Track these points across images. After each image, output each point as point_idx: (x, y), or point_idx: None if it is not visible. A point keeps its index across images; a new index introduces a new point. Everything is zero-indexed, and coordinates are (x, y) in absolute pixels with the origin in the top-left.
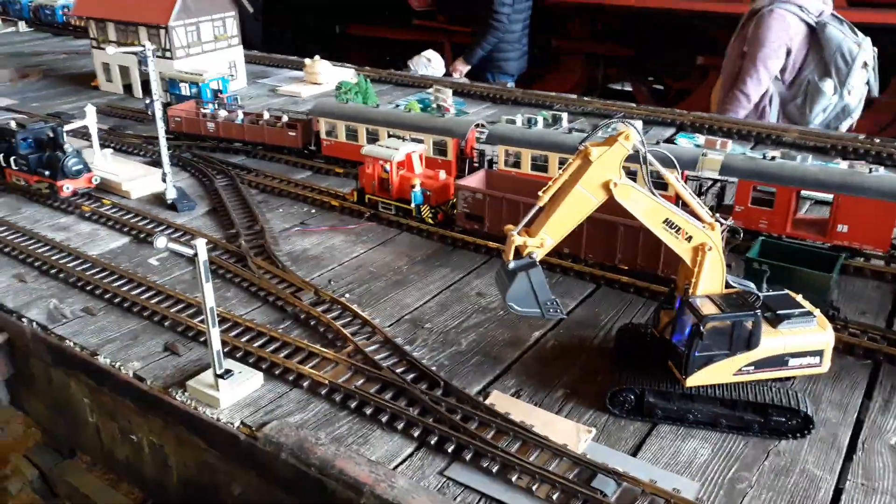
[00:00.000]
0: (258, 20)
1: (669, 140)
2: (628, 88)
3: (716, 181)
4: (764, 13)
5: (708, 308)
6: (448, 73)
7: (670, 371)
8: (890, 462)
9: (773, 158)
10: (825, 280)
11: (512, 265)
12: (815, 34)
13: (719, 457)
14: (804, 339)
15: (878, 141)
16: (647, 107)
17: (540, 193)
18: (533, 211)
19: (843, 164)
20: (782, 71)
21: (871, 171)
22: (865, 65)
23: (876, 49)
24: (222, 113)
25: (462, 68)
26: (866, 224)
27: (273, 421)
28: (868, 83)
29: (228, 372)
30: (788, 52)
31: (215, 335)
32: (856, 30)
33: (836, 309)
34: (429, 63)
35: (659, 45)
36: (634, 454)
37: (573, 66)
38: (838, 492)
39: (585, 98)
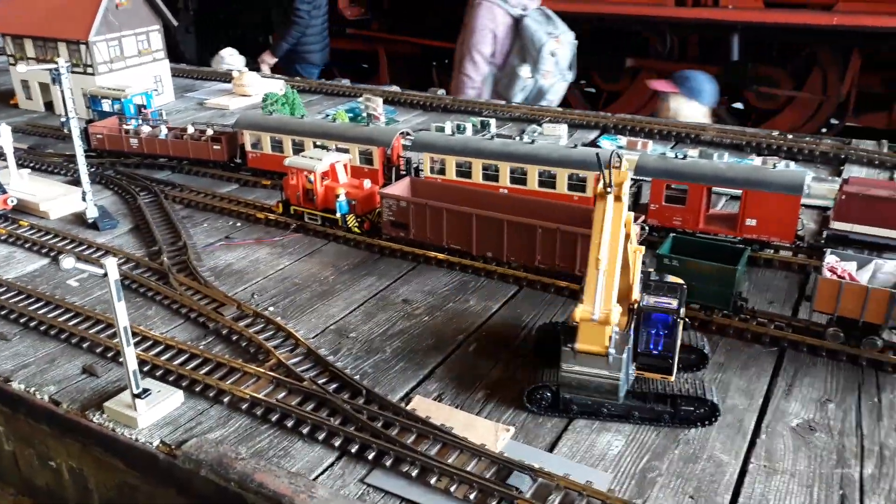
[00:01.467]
0: (190, 33)
1: (593, 142)
2: None
3: (634, 181)
4: (474, 4)
5: (662, 302)
6: (256, 66)
7: None
8: (790, 443)
9: (685, 157)
10: (731, 273)
11: None
12: (518, 25)
13: (632, 448)
14: None
15: (790, 137)
16: (571, 110)
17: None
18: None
19: (758, 161)
20: (494, 55)
21: (774, 166)
22: (553, 54)
23: (576, 42)
24: (146, 128)
25: (269, 60)
26: (772, 217)
27: (193, 438)
28: (562, 72)
29: (146, 391)
30: (496, 39)
31: (131, 354)
32: (559, 23)
33: (745, 300)
34: (224, 60)
35: (589, 48)
36: (551, 450)
37: None
38: (743, 474)
39: (513, 104)
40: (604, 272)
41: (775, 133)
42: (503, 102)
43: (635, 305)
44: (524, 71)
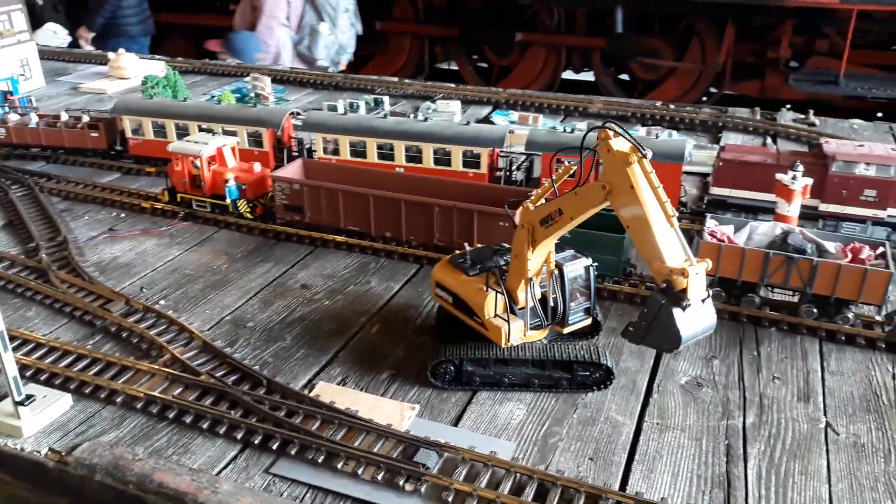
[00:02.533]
0: (59, 11)
1: (486, 118)
2: (455, 67)
3: (528, 156)
4: None
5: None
6: (75, 42)
7: (485, 339)
8: (680, 400)
9: (573, 131)
10: (619, 241)
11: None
12: None
13: (533, 415)
14: None
15: (672, 107)
16: (464, 87)
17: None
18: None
19: (642, 131)
20: (289, 18)
21: (657, 136)
22: (347, 10)
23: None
24: (13, 117)
25: (87, 35)
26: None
27: (85, 443)
28: (353, 24)
29: (30, 397)
30: (289, 2)
31: (9, 360)
32: None
33: (633, 266)
34: (55, 35)
35: (481, 23)
36: (456, 424)
37: (400, 47)
38: (638, 433)
39: (406, 81)
40: (677, 225)
41: (658, 104)
42: (395, 79)
43: (557, 269)
44: (324, 28)
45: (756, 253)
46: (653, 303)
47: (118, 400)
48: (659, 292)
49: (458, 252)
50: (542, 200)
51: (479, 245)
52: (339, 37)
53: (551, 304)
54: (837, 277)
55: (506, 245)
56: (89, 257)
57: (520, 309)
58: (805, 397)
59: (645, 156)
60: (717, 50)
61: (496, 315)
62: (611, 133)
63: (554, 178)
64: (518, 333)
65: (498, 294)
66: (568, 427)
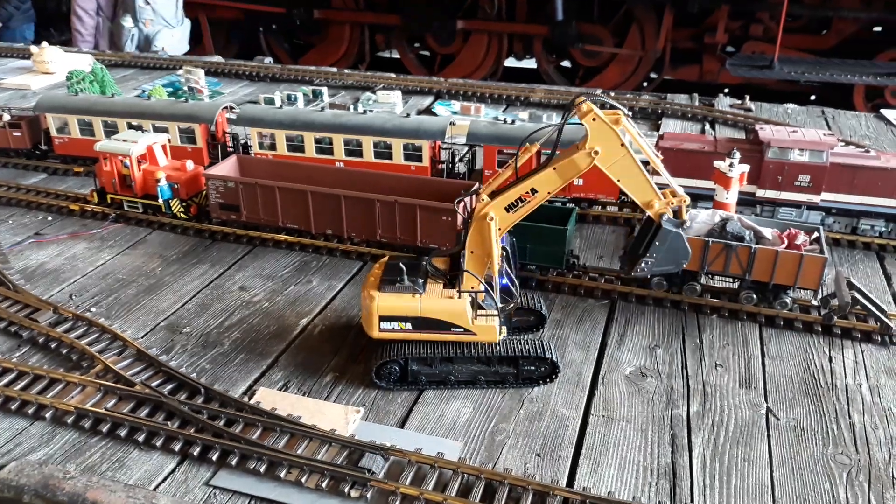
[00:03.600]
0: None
1: (428, 109)
2: (397, 56)
3: (471, 146)
4: None
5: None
6: None
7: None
8: (625, 390)
9: (514, 122)
10: (561, 233)
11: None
12: None
13: (480, 413)
14: None
15: (612, 94)
16: (405, 76)
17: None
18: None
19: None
20: (101, 9)
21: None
22: (147, 2)
23: None
24: None
25: None
26: (596, 175)
27: (12, 462)
28: (164, 18)
29: None
30: None
31: None
32: None
33: (576, 257)
34: None
35: (421, 10)
36: (402, 425)
37: (340, 35)
38: (584, 426)
39: (346, 71)
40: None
41: (598, 91)
42: (334, 70)
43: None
44: (127, 21)
45: (696, 241)
46: (665, 232)
47: (47, 415)
48: (667, 222)
49: (384, 279)
50: (490, 190)
51: (389, 263)
52: (144, 29)
53: (504, 281)
54: (775, 264)
55: (407, 255)
56: (14, 264)
57: (483, 301)
58: (747, 384)
59: (626, 114)
60: (656, 36)
61: (478, 316)
62: (592, 105)
63: (515, 162)
64: (499, 321)
65: (466, 295)
66: (515, 423)
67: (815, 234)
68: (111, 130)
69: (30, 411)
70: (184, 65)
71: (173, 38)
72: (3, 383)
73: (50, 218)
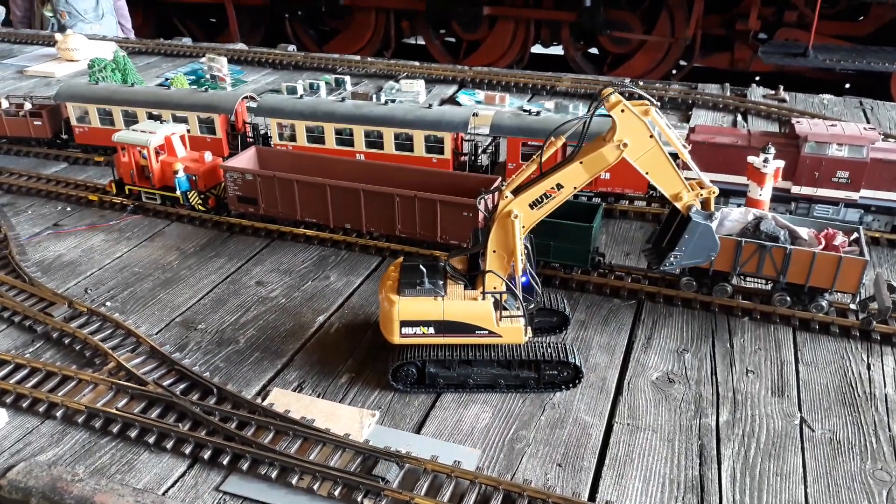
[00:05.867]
0: None
1: (452, 98)
2: (422, 43)
3: (494, 138)
4: None
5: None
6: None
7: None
8: (651, 397)
9: (538, 113)
10: (587, 230)
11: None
12: None
13: (499, 419)
14: None
15: (640, 84)
16: (429, 65)
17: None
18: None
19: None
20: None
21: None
22: None
23: None
24: None
25: None
26: (623, 169)
27: (21, 463)
28: (83, 11)
29: None
30: None
31: None
32: None
33: (602, 255)
34: None
35: None
36: (419, 430)
37: (365, 22)
38: (608, 435)
39: (369, 59)
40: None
41: (627, 80)
42: (357, 58)
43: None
44: (47, 9)
45: (728, 241)
46: (694, 225)
47: (58, 414)
48: (696, 213)
49: (403, 283)
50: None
51: (406, 265)
52: (60, 20)
53: (525, 280)
54: (812, 265)
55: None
56: (32, 256)
57: (505, 301)
58: (779, 391)
59: (655, 105)
60: (687, 22)
61: (503, 317)
62: (620, 96)
63: (540, 157)
64: (525, 322)
65: (489, 296)
66: (535, 430)
67: (855, 235)
68: (131, 120)
69: (41, 410)
70: (207, 52)
71: (104, 30)
72: (16, 380)
73: (69, 209)
